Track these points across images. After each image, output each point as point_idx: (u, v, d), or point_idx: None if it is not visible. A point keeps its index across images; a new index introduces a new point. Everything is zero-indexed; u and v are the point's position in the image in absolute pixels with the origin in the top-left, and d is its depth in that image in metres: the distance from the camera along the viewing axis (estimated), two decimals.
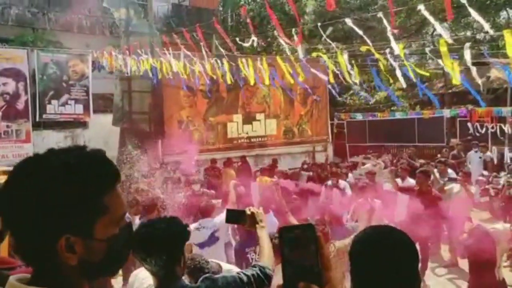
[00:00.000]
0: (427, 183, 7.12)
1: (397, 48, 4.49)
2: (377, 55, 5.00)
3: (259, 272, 2.07)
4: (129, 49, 11.03)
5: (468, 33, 20.99)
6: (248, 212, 2.28)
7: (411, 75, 5.15)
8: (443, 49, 3.84)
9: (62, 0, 14.83)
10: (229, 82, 8.29)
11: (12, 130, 11.90)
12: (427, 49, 5.00)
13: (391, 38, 4.36)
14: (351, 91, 16.80)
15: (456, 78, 4.22)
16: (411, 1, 21.72)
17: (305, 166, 12.18)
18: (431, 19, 3.91)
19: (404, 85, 5.28)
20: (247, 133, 13.80)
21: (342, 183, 7.91)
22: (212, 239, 4.90)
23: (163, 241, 1.96)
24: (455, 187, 7.30)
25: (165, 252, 1.96)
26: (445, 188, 7.34)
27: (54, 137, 12.77)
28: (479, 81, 5.16)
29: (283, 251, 0.93)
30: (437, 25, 4.12)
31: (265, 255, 2.20)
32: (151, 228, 2.03)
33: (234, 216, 2.39)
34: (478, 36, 21.40)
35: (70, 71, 12.78)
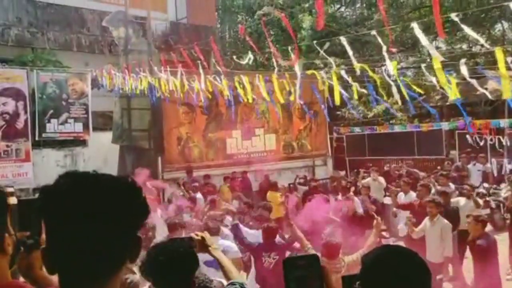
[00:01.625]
0: (427, 196, 7.11)
1: (391, 68, 4.53)
2: (371, 74, 5.04)
3: None
4: (128, 67, 11.12)
5: (464, 46, 21.18)
6: (196, 237, 2.24)
7: (404, 92, 5.19)
8: (437, 66, 3.87)
9: (61, 19, 14.99)
10: (226, 96, 8.33)
11: (11, 149, 11.90)
12: (422, 65, 5.03)
13: (386, 56, 4.40)
14: (350, 105, 16.88)
15: (455, 93, 4.25)
16: (406, 16, 22.03)
17: (301, 180, 12.22)
18: (422, 39, 3.96)
19: (400, 102, 5.29)
20: (246, 149, 13.82)
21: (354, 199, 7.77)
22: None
23: (179, 265, 1.98)
24: (461, 200, 7.27)
25: (179, 276, 1.98)
26: (452, 201, 7.32)
27: (54, 155, 12.77)
28: (481, 91, 5.20)
29: (288, 281, 0.93)
30: (428, 44, 4.17)
31: (234, 272, 2.22)
32: (167, 250, 2.04)
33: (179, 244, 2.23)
34: (474, 49, 21.62)
35: (70, 89, 12.85)
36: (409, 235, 6.55)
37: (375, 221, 4.58)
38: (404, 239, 6.92)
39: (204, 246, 2.24)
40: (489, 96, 5.34)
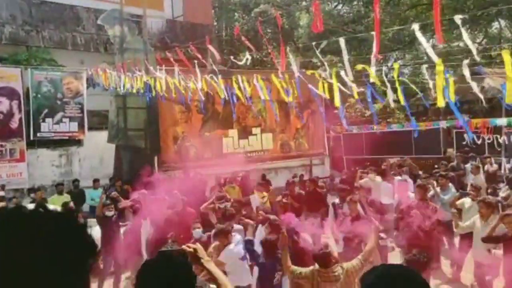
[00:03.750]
0: (426, 196, 7.06)
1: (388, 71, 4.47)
2: (372, 75, 4.96)
3: None
4: (123, 66, 11.00)
5: (461, 44, 21.14)
6: (189, 249, 2.18)
7: (400, 97, 5.13)
8: (439, 69, 3.79)
9: (56, 17, 14.84)
10: (222, 96, 8.25)
11: (6, 149, 11.78)
12: (424, 66, 4.94)
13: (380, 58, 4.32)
14: (347, 103, 16.81)
15: (452, 96, 4.19)
16: (403, 13, 21.97)
17: (295, 179, 12.20)
18: (423, 42, 3.90)
19: (403, 102, 5.20)
20: (243, 148, 13.73)
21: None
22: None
23: (175, 280, 1.90)
24: (466, 201, 7.15)
25: None
26: (457, 203, 7.20)
27: (49, 155, 12.67)
28: (479, 90, 5.13)
29: None
30: (429, 47, 4.08)
31: (228, 285, 2.16)
32: (163, 266, 1.97)
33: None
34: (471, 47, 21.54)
35: (65, 88, 12.72)
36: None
37: (372, 226, 4.51)
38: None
39: (196, 258, 2.16)
40: (482, 98, 5.20)
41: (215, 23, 22.62)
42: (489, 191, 9.35)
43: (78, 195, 10.86)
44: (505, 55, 3.54)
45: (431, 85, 4.14)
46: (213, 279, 2.19)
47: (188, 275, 1.92)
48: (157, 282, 1.85)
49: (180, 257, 2.01)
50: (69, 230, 0.90)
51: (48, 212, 0.92)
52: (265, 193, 9.94)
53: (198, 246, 2.23)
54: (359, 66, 5.05)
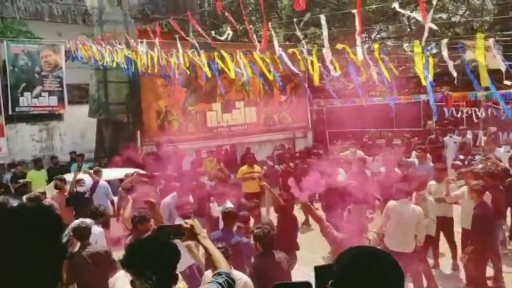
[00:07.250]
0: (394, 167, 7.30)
1: (360, 53, 4.51)
2: (351, 55, 4.99)
3: (227, 278, 2.08)
4: (103, 38, 10.73)
5: (444, 16, 21.17)
6: (186, 225, 2.19)
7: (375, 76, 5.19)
8: (418, 50, 3.84)
9: None
10: (208, 75, 8.19)
11: None
12: (405, 46, 4.94)
13: (358, 39, 4.36)
14: (330, 77, 16.83)
15: (430, 76, 4.26)
16: None
17: (279, 152, 12.32)
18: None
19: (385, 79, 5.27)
20: (227, 122, 13.73)
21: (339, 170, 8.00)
22: None
23: (159, 259, 1.99)
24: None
25: (161, 271, 1.98)
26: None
27: (29, 130, 12.48)
28: (459, 63, 5.23)
29: None
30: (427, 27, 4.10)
31: (222, 262, 2.19)
32: (147, 245, 2.05)
33: (168, 232, 2.16)
34: (453, 19, 21.62)
35: (43, 61, 12.42)
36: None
37: (377, 202, 4.66)
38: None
39: (193, 234, 2.19)
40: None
41: None
42: (466, 163, 9.63)
43: (58, 171, 10.74)
44: (479, 40, 3.59)
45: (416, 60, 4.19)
46: (208, 255, 2.23)
47: (171, 244, 2.02)
48: (138, 253, 1.98)
49: (166, 236, 2.10)
50: (45, 231, 0.91)
51: (34, 208, 0.92)
52: (256, 167, 9.85)
53: (196, 222, 2.25)
54: (340, 46, 5.07)
